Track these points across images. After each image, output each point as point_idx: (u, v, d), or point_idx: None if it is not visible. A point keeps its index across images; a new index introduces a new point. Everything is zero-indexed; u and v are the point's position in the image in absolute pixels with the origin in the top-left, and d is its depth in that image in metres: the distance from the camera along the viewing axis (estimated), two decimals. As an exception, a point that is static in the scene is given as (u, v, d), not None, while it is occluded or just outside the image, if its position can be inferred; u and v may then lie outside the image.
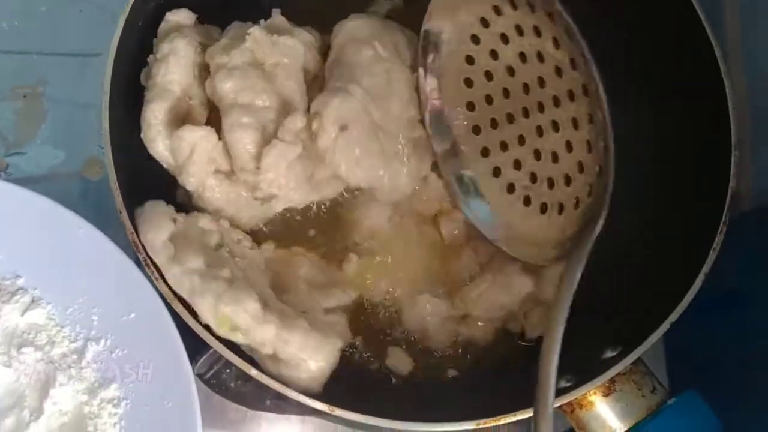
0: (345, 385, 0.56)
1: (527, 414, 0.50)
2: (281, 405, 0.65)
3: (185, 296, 0.51)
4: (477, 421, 0.50)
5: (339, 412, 0.50)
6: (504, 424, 0.50)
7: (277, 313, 0.52)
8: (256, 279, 0.55)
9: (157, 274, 0.51)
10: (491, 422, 0.50)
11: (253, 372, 0.50)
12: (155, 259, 0.51)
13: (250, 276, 0.54)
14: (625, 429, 0.52)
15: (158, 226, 0.52)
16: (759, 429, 0.62)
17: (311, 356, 0.51)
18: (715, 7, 0.72)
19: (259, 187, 0.55)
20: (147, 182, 0.57)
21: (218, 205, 0.57)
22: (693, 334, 0.72)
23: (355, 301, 0.61)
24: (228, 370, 0.65)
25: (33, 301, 0.63)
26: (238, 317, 0.50)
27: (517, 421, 0.50)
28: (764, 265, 0.67)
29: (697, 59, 0.58)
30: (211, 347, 0.60)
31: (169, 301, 0.51)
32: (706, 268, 0.53)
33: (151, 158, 0.56)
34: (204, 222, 0.55)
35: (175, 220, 0.54)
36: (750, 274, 0.68)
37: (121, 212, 0.52)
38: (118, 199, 0.52)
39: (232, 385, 0.65)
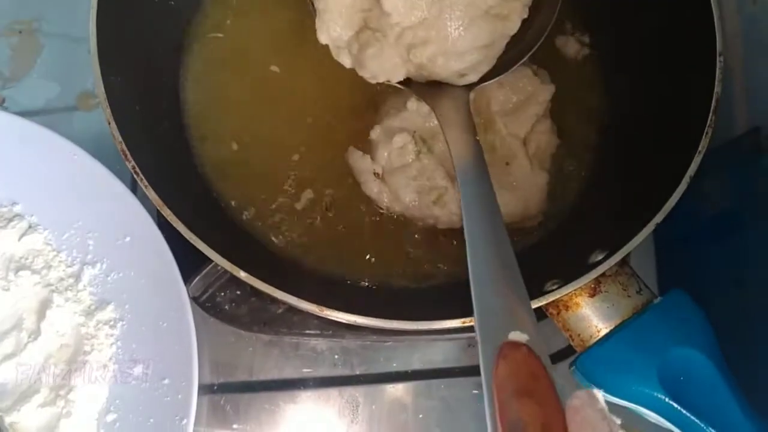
0: (336, 292, 0.57)
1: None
2: (274, 327, 0.66)
3: None
4: (463, 319, 0.50)
5: (327, 312, 0.50)
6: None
7: None
8: None
9: (146, 182, 0.52)
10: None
11: (242, 274, 0.51)
12: None
13: None
14: (611, 328, 0.52)
15: None
16: (754, 346, 0.63)
17: None
18: None
19: None
20: (137, 92, 0.58)
21: None
22: (687, 255, 0.72)
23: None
24: (222, 294, 0.66)
25: (30, 227, 0.64)
26: None
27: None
28: (757, 186, 0.67)
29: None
30: (204, 267, 0.62)
31: (159, 208, 0.52)
32: (691, 170, 0.53)
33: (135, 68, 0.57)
34: None
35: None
36: (744, 196, 0.68)
37: (110, 123, 0.53)
38: (107, 111, 0.53)
39: (226, 308, 0.66)
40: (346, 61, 0.58)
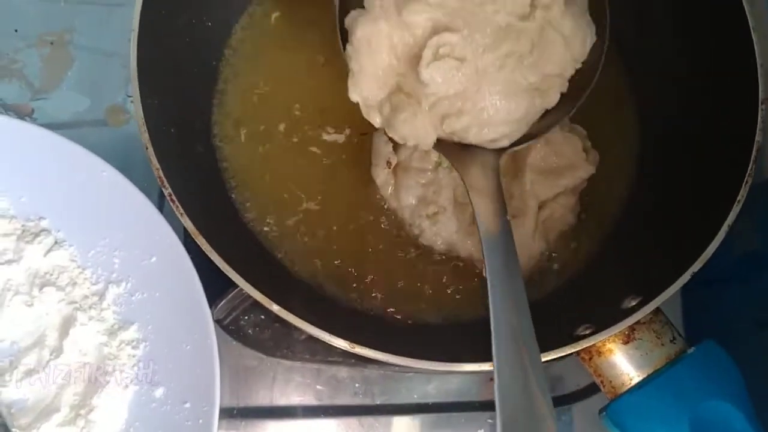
0: (368, 330, 0.57)
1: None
2: (297, 353, 0.66)
3: None
4: (480, 364, 0.50)
5: (358, 349, 0.50)
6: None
7: None
8: None
9: (182, 210, 0.51)
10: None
11: (275, 308, 0.50)
12: None
13: None
14: (643, 376, 0.52)
15: None
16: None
17: None
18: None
19: None
20: (173, 114, 0.57)
21: None
22: (712, 295, 0.72)
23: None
24: (246, 317, 0.66)
25: (56, 242, 0.63)
26: None
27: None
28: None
29: (726, 18, 0.58)
30: (230, 291, 0.62)
31: (194, 237, 0.51)
32: (730, 219, 0.53)
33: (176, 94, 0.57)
34: None
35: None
36: (769, 238, 0.68)
37: (147, 148, 0.52)
38: (144, 135, 0.52)
39: (250, 332, 0.66)
40: (376, 121, 0.57)
